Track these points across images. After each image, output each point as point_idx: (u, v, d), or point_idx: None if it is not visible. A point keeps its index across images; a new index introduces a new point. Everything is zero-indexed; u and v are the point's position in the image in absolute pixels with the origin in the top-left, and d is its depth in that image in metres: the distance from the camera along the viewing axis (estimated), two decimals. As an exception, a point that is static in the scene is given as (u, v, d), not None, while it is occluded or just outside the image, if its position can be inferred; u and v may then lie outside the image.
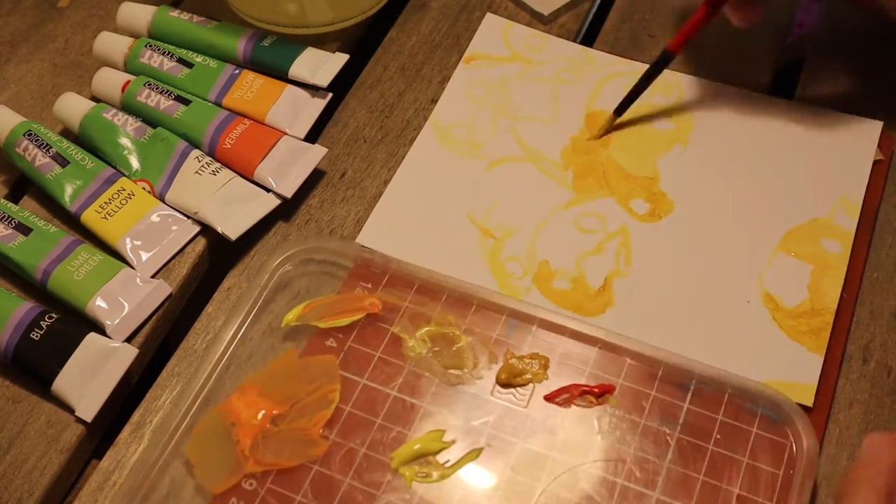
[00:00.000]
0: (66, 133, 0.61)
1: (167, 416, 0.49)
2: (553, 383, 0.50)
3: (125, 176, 0.58)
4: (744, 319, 0.53)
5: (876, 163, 0.58)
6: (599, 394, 0.50)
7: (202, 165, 0.58)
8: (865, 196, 0.57)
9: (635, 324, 0.53)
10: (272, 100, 0.60)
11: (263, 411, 0.49)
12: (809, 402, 0.50)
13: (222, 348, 0.51)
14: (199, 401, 0.50)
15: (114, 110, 0.60)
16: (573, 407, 0.50)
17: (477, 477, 0.48)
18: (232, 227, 0.56)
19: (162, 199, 0.58)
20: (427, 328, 0.52)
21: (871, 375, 0.52)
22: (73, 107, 0.61)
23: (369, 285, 0.54)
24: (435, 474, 0.48)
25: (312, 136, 0.61)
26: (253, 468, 0.48)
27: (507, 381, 0.50)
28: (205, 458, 0.48)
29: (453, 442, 0.49)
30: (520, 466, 0.48)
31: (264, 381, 0.50)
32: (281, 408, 0.49)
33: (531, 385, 0.50)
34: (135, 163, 0.59)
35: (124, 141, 0.59)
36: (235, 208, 0.57)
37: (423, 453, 0.48)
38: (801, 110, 0.61)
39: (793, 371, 0.51)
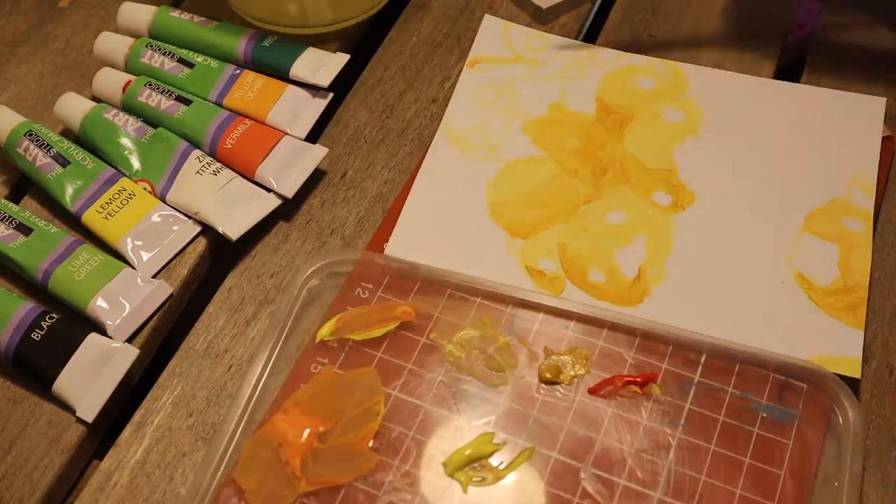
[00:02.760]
0: (67, 133, 0.61)
1: (211, 446, 0.48)
2: (595, 376, 0.50)
3: (126, 176, 0.58)
4: (780, 300, 0.53)
5: (884, 139, 0.59)
6: (643, 383, 0.50)
7: (203, 165, 0.58)
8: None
9: (674, 311, 0.53)
10: (273, 100, 0.60)
11: (309, 429, 0.49)
12: (857, 374, 0.50)
13: (259, 369, 0.50)
14: (241, 427, 0.49)
15: (114, 110, 0.60)
16: (618, 398, 0.50)
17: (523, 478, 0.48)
18: (233, 228, 0.56)
19: (163, 200, 0.58)
20: (463, 332, 0.52)
21: (872, 375, 0.52)
22: (73, 107, 0.61)
23: (370, 285, 0.54)
24: (489, 477, 0.47)
25: (313, 137, 0.61)
26: (306, 487, 0.47)
27: (551, 379, 0.50)
28: (256, 482, 0.47)
29: (504, 444, 0.48)
30: (563, 466, 0.48)
31: (306, 399, 0.50)
32: (326, 424, 0.49)
33: (574, 380, 0.50)
34: (135, 163, 0.59)
35: (125, 141, 0.59)
36: (236, 208, 0.57)
37: (476, 457, 0.48)
38: (806, 92, 0.62)
39: (836, 346, 0.51)
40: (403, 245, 0.56)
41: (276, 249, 0.57)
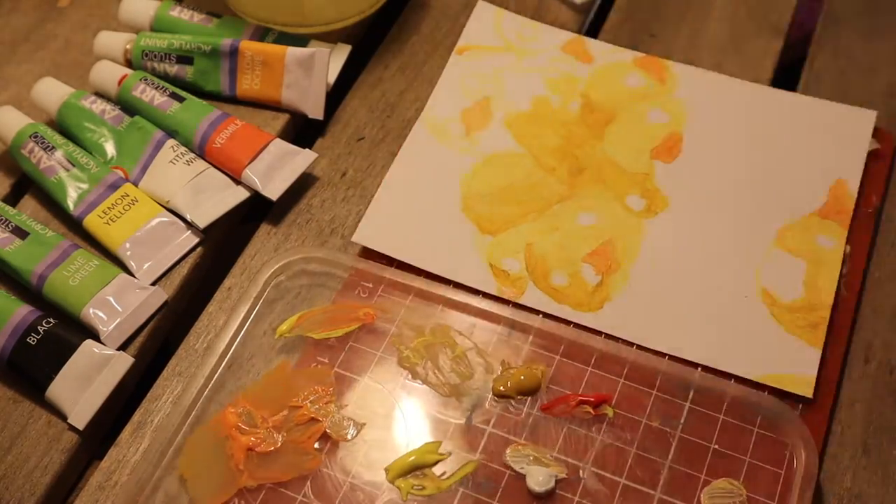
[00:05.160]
0: (72, 136, 0.60)
1: (160, 429, 0.49)
2: (551, 393, 0.50)
3: (103, 163, 0.58)
4: (742, 314, 0.53)
5: (872, 153, 0.58)
6: (597, 404, 0.49)
7: (177, 155, 0.58)
8: (866, 191, 0.57)
9: (633, 319, 0.53)
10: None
11: (257, 424, 0.49)
12: (809, 394, 0.50)
13: (215, 360, 0.51)
14: (192, 415, 0.49)
15: (92, 97, 0.61)
16: (571, 417, 0.49)
17: (469, 489, 0.47)
18: (201, 216, 0.56)
19: (136, 186, 0.58)
20: (423, 338, 0.52)
21: (872, 375, 0.52)
22: (51, 92, 0.61)
23: (365, 295, 0.54)
24: (430, 486, 0.47)
25: (311, 140, 0.61)
26: (247, 482, 0.47)
27: (504, 392, 0.50)
28: (198, 472, 0.48)
29: (449, 454, 0.48)
30: (515, 477, 0.48)
31: (258, 393, 0.50)
32: (275, 420, 0.49)
33: (527, 395, 0.50)
34: (111, 150, 0.59)
35: (101, 128, 0.59)
36: (206, 197, 0.57)
37: (418, 465, 0.48)
38: (795, 101, 0.61)
39: (792, 364, 0.51)
40: (371, 233, 0.56)
41: (277, 249, 0.57)
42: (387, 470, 0.48)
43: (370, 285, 0.54)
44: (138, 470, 0.48)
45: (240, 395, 0.50)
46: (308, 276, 0.54)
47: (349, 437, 0.49)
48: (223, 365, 0.51)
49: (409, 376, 0.51)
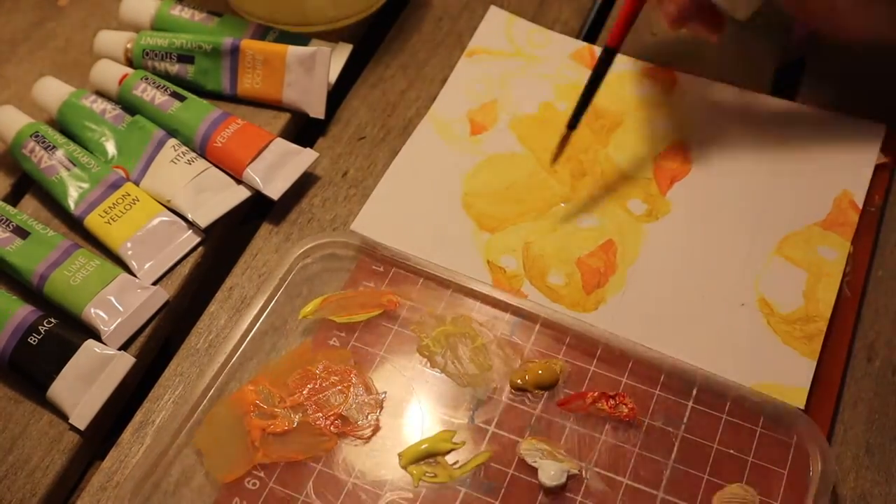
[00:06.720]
0: (72, 136, 0.60)
1: (180, 403, 0.49)
2: (568, 389, 0.50)
3: (104, 162, 0.58)
4: (737, 322, 0.53)
5: (879, 166, 0.58)
6: (613, 402, 0.49)
7: (178, 154, 0.58)
8: (869, 194, 0.57)
9: (627, 322, 0.52)
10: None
11: (276, 403, 0.49)
12: (801, 404, 0.50)
13: (237, 338, 0.51)
14: (212, 390, 0.50)
15: (93, 96, 0.60)
16: (584, 414, 0.49)
17: (483, 479, 0.48)
18: (202, 216, 0.56)
19: (137, 186, 0.58)
20: (443, 328, 0.52)
21: (875, 374, 0.52)
22: (51, 92, 0.60)
23: (371, 284, 0.54)
24: (442, 474, 0.47)
25: (312, 140, 0.61)
26: (262, 459, 0.48)
27: (521, 385, 0.50)
28: (215, 447, 0.48)
29: (463, 443, 0.48)
30: (526, 469, 0.48)
31: (278, 372, 0.50)
32: (294, 400, 0.49)
33: (545, 390, 0.50)
34: (111, 149, 0.59)
35: (102, 128, 0.59)
36: (207, 197, 0.57)
37: (432, 453, 0.48)
38: (803, 112, 0.61)
39: (785, 374, 0.51)
40: (370, 223, 0.56)
41: (278, 248, 0.57)
42: (400, 455, 0.48)
43: (396, 272, 0.54)
44: (156, 441, 0.48)
45: (260, 374, 0.50)
46: (336, 260, 0.55)
47: (365, 421, 0.49)
48: (245, 343, 0.51)
49: (428, 364, 0.51)
